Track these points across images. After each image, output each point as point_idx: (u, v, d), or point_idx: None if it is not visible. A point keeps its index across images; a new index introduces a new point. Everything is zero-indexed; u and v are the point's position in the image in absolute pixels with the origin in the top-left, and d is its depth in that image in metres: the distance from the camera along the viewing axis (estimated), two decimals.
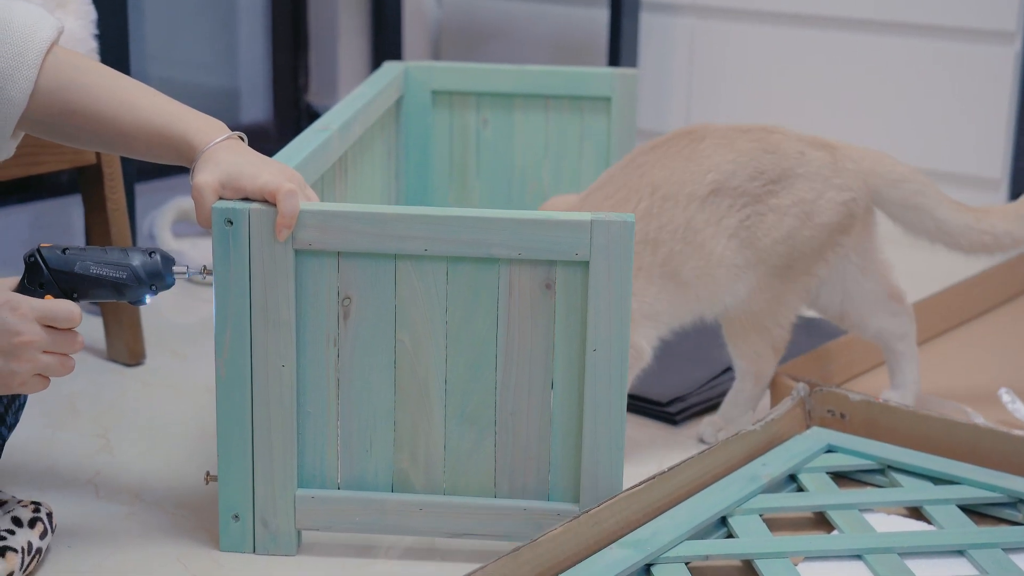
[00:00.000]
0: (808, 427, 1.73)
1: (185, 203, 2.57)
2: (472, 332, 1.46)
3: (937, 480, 1.61)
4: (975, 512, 1.57)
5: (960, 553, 1.47)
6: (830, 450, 1.67)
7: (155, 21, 3.28)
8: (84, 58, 1.49)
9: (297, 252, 1.44)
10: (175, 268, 1.43)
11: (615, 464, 1.47)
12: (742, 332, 1.77)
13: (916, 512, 1.58)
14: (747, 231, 1.71)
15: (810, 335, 2.14)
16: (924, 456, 1.64)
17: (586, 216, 1.42)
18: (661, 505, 1.51)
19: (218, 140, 1.44)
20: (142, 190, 2.73)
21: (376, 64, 3.45)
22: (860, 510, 1.55)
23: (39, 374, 1.37)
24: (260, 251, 1.43)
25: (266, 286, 1.44)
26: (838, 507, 1.55)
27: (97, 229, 2.05)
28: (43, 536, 1.46)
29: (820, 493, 1.58)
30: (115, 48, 2.11)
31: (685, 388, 1.93)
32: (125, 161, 2.10)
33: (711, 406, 1.93)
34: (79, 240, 2.67)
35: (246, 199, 1.43)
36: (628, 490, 1.47)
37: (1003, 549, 1.47)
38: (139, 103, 1.46)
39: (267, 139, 3.43)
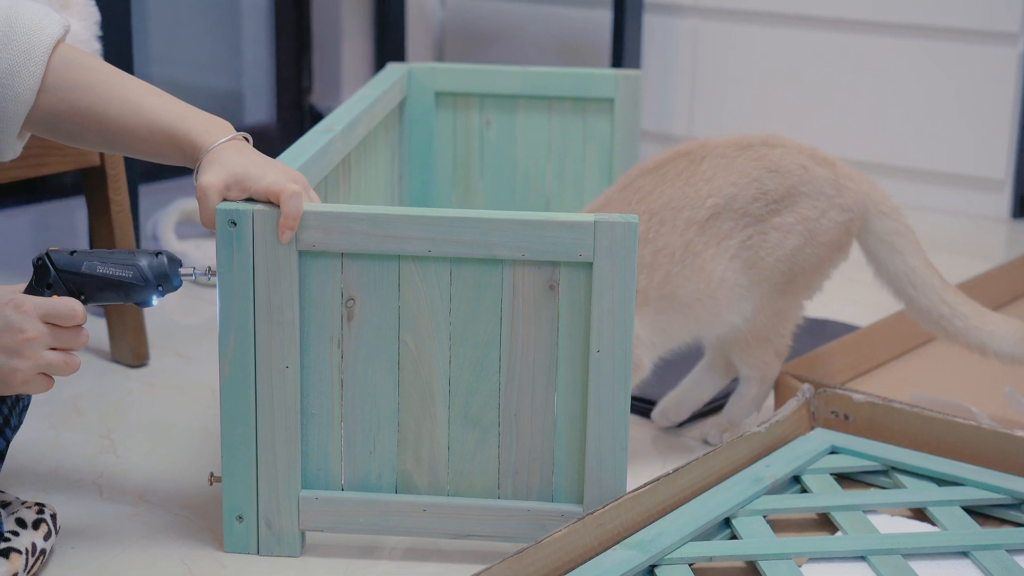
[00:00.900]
0: (812, 428, 1.73)
1: (188, 204, 2.57)
2: (476, 333, 1.46)
3: (941, 481, 1.61)
4: (979, 513, 1.57)
5: (964, 555, 1.47)
6: (834, 451, 1.67)
7: (158, 22, 3.28)
8: (91, 57, 1.49)
9: (301, 253, 1.44)
10: (181, 270, 1.43)
11: (619, 465, 1.47)
12: (746, 346, 1.77)
13: (920, 513, 1.58)
14: (749, 251, 1.71)
15: (813, 335, 2.15)
16: (928, 457, 1.64)
17: (590, 217, 1.42)
18: (665, 506, 1.51)
19: (223, 140, 1.44)
20: (146, 191, 2.74)
21: (379, 66, 3.46)
22: (864, 511, 1.55)
23: (43, 373, 1.37)
24: (264, 252, 1.43)
25: (270, 287, 1.44)
26: (842, 508, 1.55)
27: (101, 230, 2.05)
28: (47, 537, 1.47)
29: (824, 494, 1.58)
30: (118, 50, 2.11)
31: None
32: (129, 162, 2.10)
33: (714, 408, 1.93)
34: (82, 241, 2.67)
35: (250, 200, 1.43)
36: (632, 492, 1.47)
37: (1007, 551, 1.46)
38: (145, 102, 1.46)
39: (270, 140, 3.43)
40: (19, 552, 1.41)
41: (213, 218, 1.42)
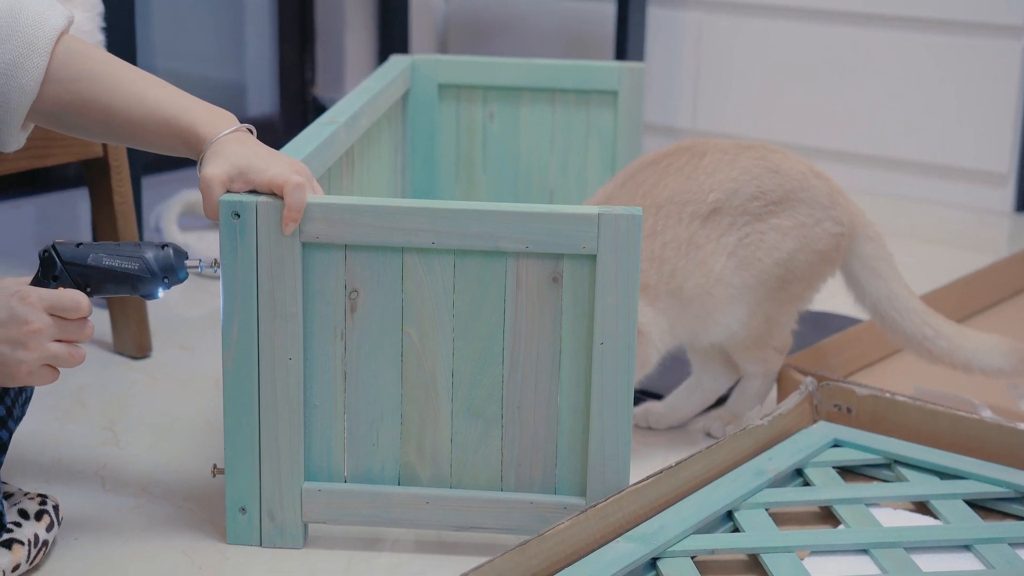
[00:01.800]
0: (815, 421, 1.73)
1: (191, 196, 2.56)
2: (479, 325, 1.46)
3: (943, 475, 1.61)
4: (981, 507, 1.57)
5: (967, 548, 1.47)
6: (836, 444, 1.67)
7: (162, 14, 3.28)
8: (94, 47, 1.49)
9: (304, 245, 1.44)
10: (187, 262, 1.43)
11: (622, 458, 1.47)
12: (744, 349, 1.78)
13: (922, 507, 1.58)
14: (746, 250, 1.71)
15: (816, 328, 2.15)
16: (930, 451, 1.64)
17: (593, 210, 1.42)
18: (668, 499, 1.51)
19: (226, 132, 1.44)
20: (149, 183, 2.73)
21: (383, 58, 3.45)
22: (866, 504, 1.55)
23: (48, 365, 1.37)
24: (267, 244, 1.43)
25: (273, 279, 1.44)
26: (844, 501, 1.55)
27: (104, 222, 2.05)
28: (49, 528, 1.47)
29: (826, 487, 1.58)
30: (122, 41, 2.11)
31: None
32: (132, 154, 2.10)
33: (717, 401, 1.93)
34: (85, 232, 2.68)
35: (254, 192, 1.43)
36: (635, 484, 1.47)
37: (1009, 544, 1.46)
38: (149, 93, 1.46)
39: (274, 132, 3.43)
40: (22, 543, 1.42)
41: (217, 210, 1.42)
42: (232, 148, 1.43)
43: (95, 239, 2.09)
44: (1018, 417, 1.82)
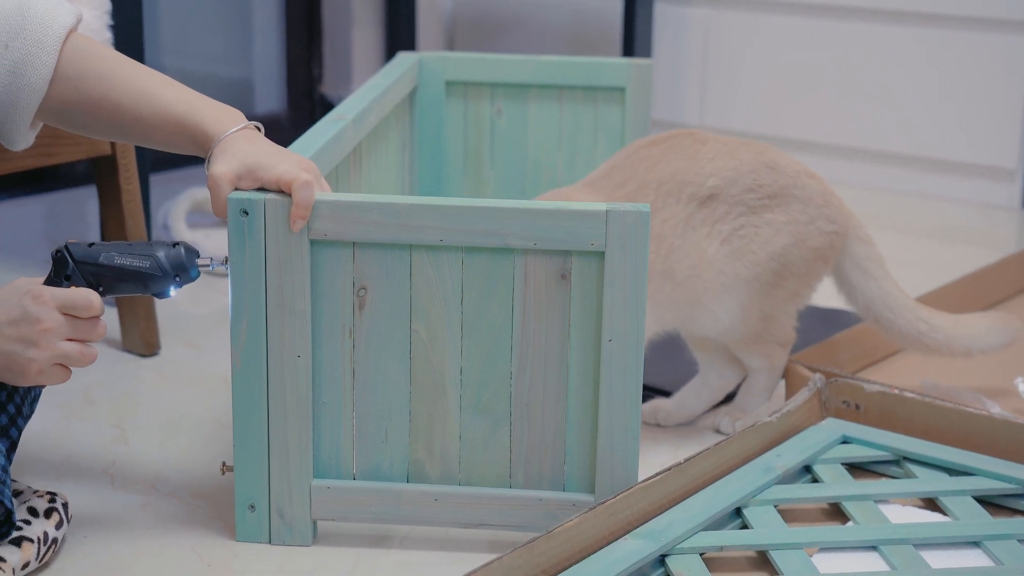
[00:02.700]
0: (823, 418, 1.73)
1: (199, 194, 2.57)
2: (487, 322, 1.46)
3: (952, 471, 1.61)
4: (991, 503, 1.57)
5: (976, 544, 1.47)
6: (845, 441, 1.67)
7: (169, 12, 3.28)
8: (103, 46, 1.49)
9: (312, 242, 1.44)
10: (199, 260, 1.44)
11: (630, 455, 1.47)
12: (744, 345, 1.78)
13: (931, 503, 1.57)
14: (740, 240, 1.72)
15: (823, 324, 2.14)
16: (939, 447, 1.64)
17: (602, 206, 1.42)
18: (676, 496, 1.51)
19: (234, 130, 1.44)
20: (157, 180, 2.74)
21: (390, 55, 3.45)
22: (875, 501, 1.55)
23: (60, 364, 1.37)
24: (276, 241, 1.43)
25: (282, 276, 1.44)
26: (853, 498, 1.55)
27: (112, 220, 2.05)
28: (59, 526, 1.47)
29: (835, 484, 1.57)
30: (129, 39, 2.11)
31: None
32: (140, 152, 2.10)
33: (725, 398, 1.92)
34: (94, 230, 2.68)
35: (262, 189, 1.43)
36: (644, 481, 1.47)
37: (1019, 540, 1.46)
38: (157, 91, 1.46)
39: (281, 130, 3.43)
40: (31, 541, 1.42)
41: (225, 207, 1.42)
42: (240, 146, 1.43)
43: (103, 237, 2.09)
44: None
